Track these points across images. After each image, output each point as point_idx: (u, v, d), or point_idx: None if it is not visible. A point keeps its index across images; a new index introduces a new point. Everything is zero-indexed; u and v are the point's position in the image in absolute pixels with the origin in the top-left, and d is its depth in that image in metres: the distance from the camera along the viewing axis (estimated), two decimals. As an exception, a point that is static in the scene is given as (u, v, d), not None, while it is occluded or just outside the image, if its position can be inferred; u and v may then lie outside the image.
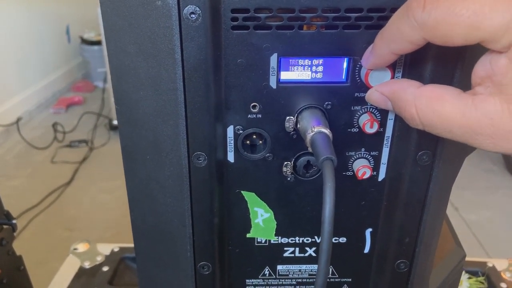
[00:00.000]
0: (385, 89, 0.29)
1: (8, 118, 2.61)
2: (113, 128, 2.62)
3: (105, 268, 0.75)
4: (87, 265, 0.76)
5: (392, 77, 0.30)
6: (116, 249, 0.80)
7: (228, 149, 0.34)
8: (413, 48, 0.26)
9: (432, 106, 0.26)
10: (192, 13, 0.29)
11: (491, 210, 1.98)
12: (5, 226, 0.69)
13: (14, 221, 0.69)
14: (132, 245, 0.80)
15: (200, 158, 0.33)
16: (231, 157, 0.34)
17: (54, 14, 3.17)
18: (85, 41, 3.28)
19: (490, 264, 0.78)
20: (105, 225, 1.79)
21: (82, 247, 0.80)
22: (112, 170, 2.21)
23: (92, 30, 3.26)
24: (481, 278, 0.75)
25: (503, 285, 0.74)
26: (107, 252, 0.79)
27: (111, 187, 2.06)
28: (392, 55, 0.27)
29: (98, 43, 3.13)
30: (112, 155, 2.41)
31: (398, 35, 0.26)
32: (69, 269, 0.76)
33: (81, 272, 0.75)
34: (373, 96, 0.30)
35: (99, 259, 0.78)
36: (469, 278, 0.76)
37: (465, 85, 0.29)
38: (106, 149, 2.49)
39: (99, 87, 3.25)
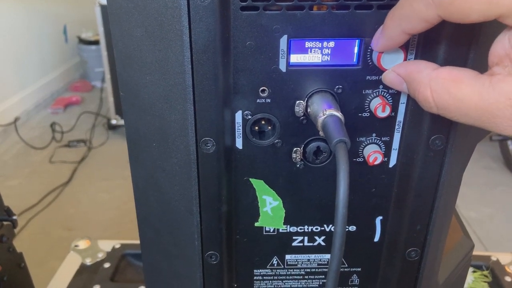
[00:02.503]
0: (401, 69, 0.29)
1: (6, 118, 2.59)
2: (111, 127, 2.60)
3: (107, 265, 0.75)
4: (88, 261, 0.76)
5: (405, 59, 0.30)
6: (117, 246, 0.79)
7: (236, 135, 0.33)
8: (427, 27, 0.25)
9: (448, 88, 0.25)
10: (201, -8, 0.28)
11: (491, 207, 1.98)
12: (5, 223, 0.68)
13: (14, 217, 0.68)
14: (133, 241, 0.80)
15: (208, 144, 0.33)
16: (239, 144, 0.33)
17: (51, 14, 3.16)
18: (82, 41, 3.27)
19: (494, 258, 0.77)
20: (104, 224, 1.78)
21: (83, 244, 0.80)
22: (111, 170, 2.20)
23: (89, 30, 3.25)
24: (485, 272, 0.75)
25: (507, 278, 0.74)
26: (108, 249, 0.78)
27: (109, 187, 2.05)
28: (404, 35, 0.27)
29: (95, 42, 3.12)
30: (110, 154, 2.40)
31: (411, 13, 0.25)
32: (70, 266, 0.76)
33: (82, 269, 0.75)
34: (389, 77, 0.30)
35: (100, 255, 0.77)
36: (474, 272, 0.75)
37: (480, 66, 0.28)
38: (104, 149, 2.48)
39: (97, 87, 3.24)
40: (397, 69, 0.29)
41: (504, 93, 0.23)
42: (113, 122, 2.53)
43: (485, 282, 0.73)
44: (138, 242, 0.39)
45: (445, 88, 0.25)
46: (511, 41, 0.23)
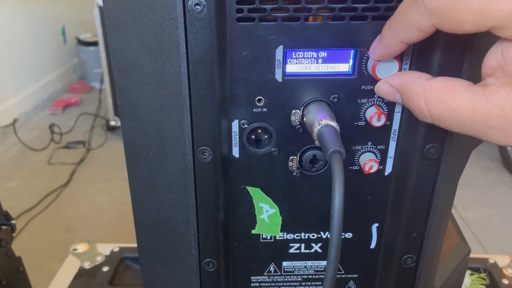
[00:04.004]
0: (394, 81, 0.29)
1: (5, 119, 2.59)
2: (110, 129, 2.60)
3: (105, 268, 0.75)
4: (87, 265, 0.76)
5: (400, 69, 0.30)
6: (116, 249, 0.79)
7: (233, 144, 0.33)
8: (422, 36, 0.25)
9: (442, 98, 0.26)
10: (197, 4, 0.28)
11: (489, 207, 1.99)
12: (4, 227, 0.68)
13: (13, 222, 0.68)
14: (132, 245, 0.80)
15: (205, 153, 0.33)
16: (236, 152, 0.34)
17: (49, 15, 3.16)
18: (81, 42, 3.27)
19: (491, 261, 0.78)
20: (103, 226, 1.78)
21: (81, 248, 0.80)
22: (110, 171, 2.20)
23: (88, 31, 3.25)
24: (483, 275, 0.75)
25: (505, 281, 0.74)
26: (107, 252, 0.78)
27: (108, 188, 2.05)
28: (401, 44, 0.27)
29: (94, 44, 3.11)
30: (109, 156, 2.40)
31: (407, 22, 0.25)
32: (69, 269, 0.76)
33: (81, 273, 0.75)
34: (382, 88, 0.30)
35: (99, 259, 0.77)
36: (471, 274, 0.75)
37: (473, 76, 0.28)
38: (103, 150, 2.48)
39: (96, 88, 3.24)
40: (390, 80, 0.29)
41: (497, 104, 0.23)
42: (112, 123, 2.53)
43: (482, 284, 0.74)
44: (136, 245, 0.39)
45: (439, 98, 0.26)
46: (504, 53, 0.24)
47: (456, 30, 0.23)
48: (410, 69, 0.31)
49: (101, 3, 2.19)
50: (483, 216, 1.92)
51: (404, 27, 0.26)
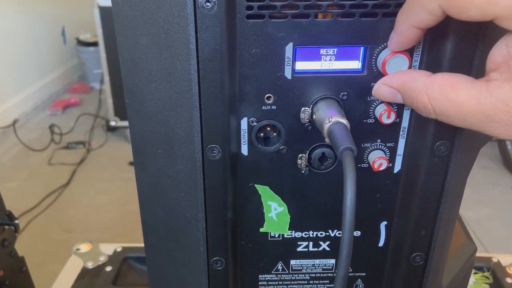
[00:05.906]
0: (393, 81, 0.29)
1: (5, 120, 2.59)
2: (110, 129, 2.60)
3: (108, 268, 0.75)
4: (90, 265, 0.76)
5: (410, 65, 0.30)
6: (119, 249, 0.79)
7: (242, 142, 0.33)
8: (433, 20, 0.25)
9: (446, 94, 0.26)
10: (208, 1, 0.28)
11: (490, 207, 1.99)
12: (7, 227, 0.68)
13: (16, 222, 0.68)
14: (135, 244, 0.80)
15: (214, 151, 0.33)
16: (244, 150, 0.34)
17: (49, 15, 3.15)
18: (81, 43, 3.26)
19: (495, 260, 0.78)
20: (104, 226, 1.78)
21: (84, 247, 0.80)
22: (110, 171, 2.20)
23: (88, 31, 3.25)
24: (486, 273, 0.75)
25: (508, 280, 0.74)
26: (110, 252, 0.78)
27: (109, 188, 2.05)
28: (413, 30, 0.26)
29: (94, 44, 3.11)
30: (109, 156, 2.40)
31: (416, 4, 0.25)
32: (72, 269, 0.75)
33: (84, 273, 0.75)
34: (381, 90, 0.30)
35: (102, 259, 0.77)
36: (475, 273, 0.75)
37: (484, 73, 0.28)
38: (103, 150, 2.48)
39: (96, 89, 3.24)
40: (388, 82, 0.29)
41: (502, 98, 0.24)
42: (112, 123, 2.52)
43: (486, 283, 0.74)
44: (139, 245, 0.39)
45: (443, 94, 0.26)
46: (509, 47, 0.24)
47: (462, 15, 0.23)
48: (420, 65, 0.30)
49: (101, 3, 2.19)
50: (483, 216, 1.92)
51: (414, 10, 0.26)
